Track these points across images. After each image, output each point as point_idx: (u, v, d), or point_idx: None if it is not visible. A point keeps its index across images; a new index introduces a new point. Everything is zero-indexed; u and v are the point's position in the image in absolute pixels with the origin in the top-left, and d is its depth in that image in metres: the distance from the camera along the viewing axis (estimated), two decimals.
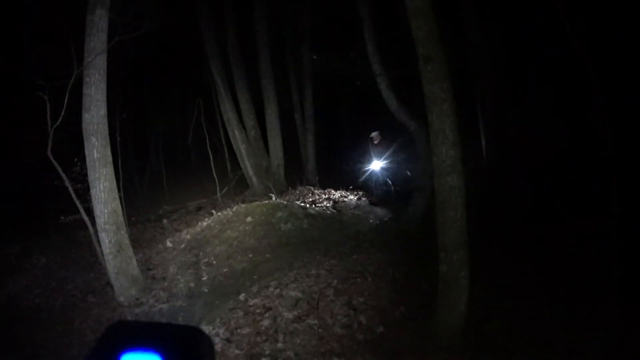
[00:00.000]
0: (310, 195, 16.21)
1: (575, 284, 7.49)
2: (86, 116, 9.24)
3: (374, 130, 15.14)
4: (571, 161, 12.50)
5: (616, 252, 6.95)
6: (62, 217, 11.85)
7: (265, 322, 7.49)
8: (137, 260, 10.25)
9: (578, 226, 9.34)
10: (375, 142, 14.96)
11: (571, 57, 12.28)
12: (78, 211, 10.18)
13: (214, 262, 10.92)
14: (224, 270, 10.48)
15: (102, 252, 9.77)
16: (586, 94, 12.60)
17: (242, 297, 8.46)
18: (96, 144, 9.26)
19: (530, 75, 15.38)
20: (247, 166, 17.46)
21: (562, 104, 14.99)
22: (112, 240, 9.51)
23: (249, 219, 12.52)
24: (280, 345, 6.93)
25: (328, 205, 14.87)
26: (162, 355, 1.22)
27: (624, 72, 11.45)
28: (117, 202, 9.75)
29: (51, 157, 9.97)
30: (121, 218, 9.89)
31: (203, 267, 10.72)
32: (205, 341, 1.35)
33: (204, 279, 10.20)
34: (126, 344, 1.25)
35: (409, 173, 14.41)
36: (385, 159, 14.66)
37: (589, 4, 11.51)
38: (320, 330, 7.12)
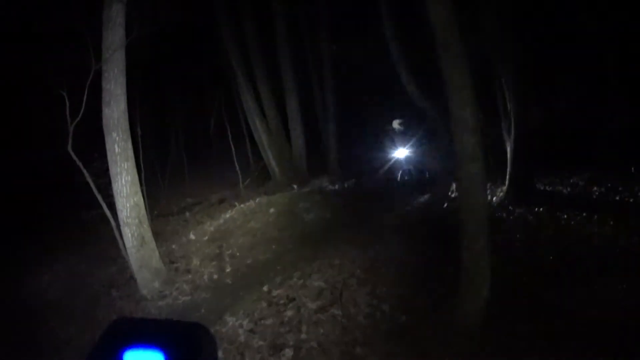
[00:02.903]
0: (333, 184, 16.18)
1: (597, 266, 7.44)
2: (106, 111, 9.27)
3: (396, 119, 15.05)
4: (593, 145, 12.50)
5: None
6: (84, 212, 11.92)
7: (289, 313, 7.52)
8: (160, 253, 10.30)
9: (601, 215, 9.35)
10: (399, 130, 14.85)
11: (589, 39, 12.21)
12: (99, 206, 10.20)
13: (237, 253, 10.94)
14: (248, 261, 10.50)
15: (124, 245, 9.80)
16: (605, 77, 12.57)
17: (265, 288, 8.50)
18: (117, 138, 9.30)
19: (550, 60, 15.23)
20: (269, 157, 17.45)
21: (583, 87, 14.88)
22: (135, 233, 9.56)
23: (271, 210, 12.54)
24: (303, 335, 6.95)
25: (352, 194, 14.85)
26: (164, 352, 1.22)
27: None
28: (139, 195, 9.79)
29: (72, 153, 10.00)
30: (143, 211, 9.93)
31: (226, 259, 10.74)
32: (207, 337, 1.35)
33: (227, 270, 10.22)
34: (129, 340, 1.25)
35: (432, 161, 14.32)
36: (408, 147, 14.56)
37: None
38: (343, 320, 7.13)
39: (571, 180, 11.55)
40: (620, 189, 10.37)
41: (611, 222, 8.79)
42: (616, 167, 11.26)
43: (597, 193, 10.67)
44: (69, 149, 9.98)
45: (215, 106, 20.23)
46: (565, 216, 9.63)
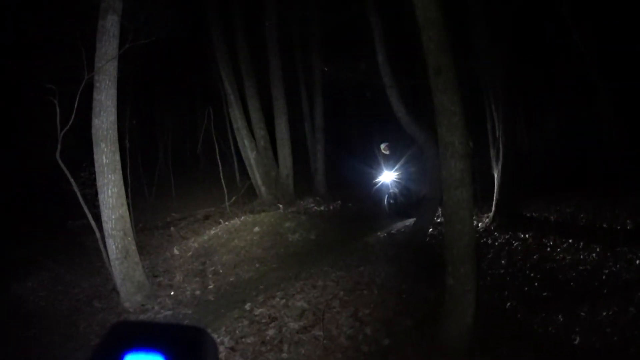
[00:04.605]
0: (319, 206, 16.18)
1: (582, 293, 7.46)
2: (96, 122, 9.26)
3: (383, 142, 15.11)
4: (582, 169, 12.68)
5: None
6: (70, 222, 11.85)
7: (271, 332, 7.47)
8: (143, 267, 10.23)
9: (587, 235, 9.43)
10: (386, 153, 14.90)
11: (580, 65, 12.35)
12: (86, 216, 10.15)
13: (221, 270, 10.91)
14: (231, 279, 10.47)
15: (108, 257, 9.74)
16: (594, 102, 12.73)
17: (247, 306, 8.44)
18: (105, 149, 9.28)
19: (541, 86, 15.38)
20: (256, 175, 17.40)
21: (573, 113, 15.05)
22: (119, 246, 9.49)
23: (256, 228, 12.51)
24: (284, 355, 6.91)
25: (337, 215, 14.84)
26: (165, 356, 1.20)
27: (631, 78, 11.53)
28: (125, 208, 9.74)
29: (60, 162, 9.95)
30: (129, 224, 9.88)
31: (209, 276, 10.71)
32: (209, 342, 1.33)
33: (210, 287, 10.18)
34: (129, 344, 1.23)
35: (418, 185, 14.34)
36: (396, 171, 14.60)
37: (595, 12, 11.55)
38: (325, 341, 7.09)
39: (558, 207, 11.61)
40: (607, 214, 10.43)
41: (597, 249, 8.83)
42: (604, 193, 11.34)
43: (584, 220, 10.73)
44: (57, 157, 9.93)
45: (204, 123, 20.18)
46: (552, 243, 9.68)
